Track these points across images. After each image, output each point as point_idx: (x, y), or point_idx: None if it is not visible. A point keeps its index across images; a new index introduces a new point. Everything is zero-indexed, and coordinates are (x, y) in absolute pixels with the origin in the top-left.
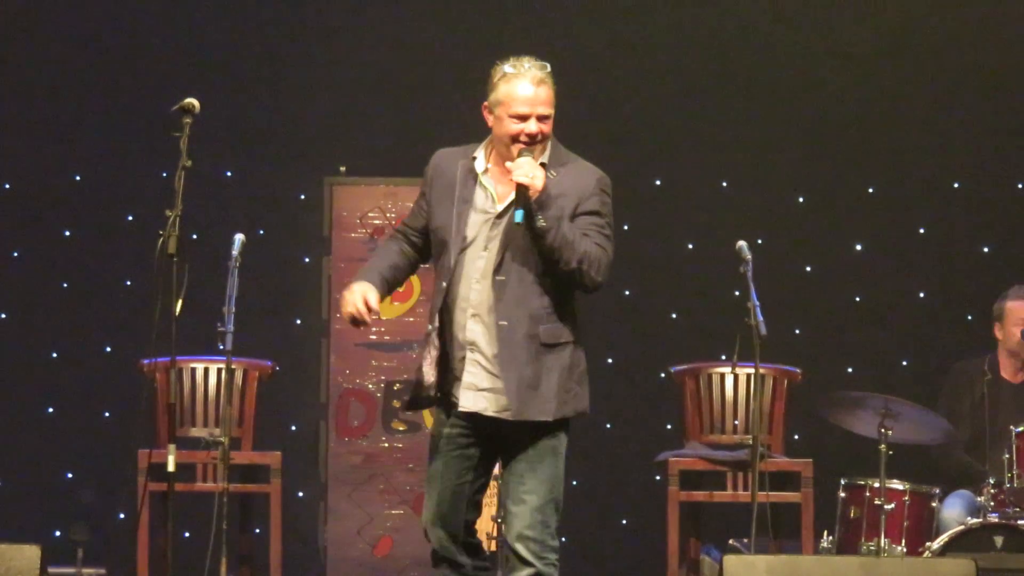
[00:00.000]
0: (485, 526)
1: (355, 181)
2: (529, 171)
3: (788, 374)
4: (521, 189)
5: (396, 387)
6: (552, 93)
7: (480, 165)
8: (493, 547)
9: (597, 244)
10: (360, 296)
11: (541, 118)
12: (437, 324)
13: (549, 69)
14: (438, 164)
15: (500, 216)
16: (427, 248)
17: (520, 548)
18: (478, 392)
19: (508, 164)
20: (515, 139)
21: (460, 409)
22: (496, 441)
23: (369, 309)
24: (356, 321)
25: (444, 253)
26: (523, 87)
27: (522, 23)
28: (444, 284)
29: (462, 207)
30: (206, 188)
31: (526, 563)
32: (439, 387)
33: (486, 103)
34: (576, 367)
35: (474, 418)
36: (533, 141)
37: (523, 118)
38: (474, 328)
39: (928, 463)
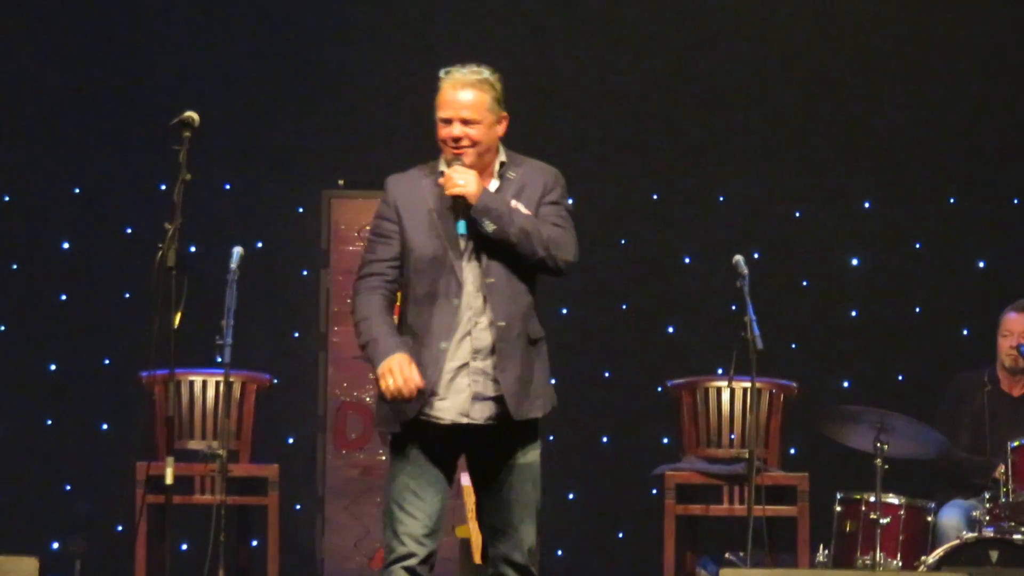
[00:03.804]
0: (479, 539)
1: (353, 194)
2: (459, 179)
3: (784, 388)
4: (459, 200)
5: None
6: (483, 98)
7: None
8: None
9: (556, 225)
10: (411, 370)
11: (465, 122)
12: (448, 341)
13: (485, 75)
14: (398, 190)
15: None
16: (399, 278)
17: (529, 564)
18: (485, 401)
19: (440, 180)
20: (444, 143)
21: (471, 422)
22: (470, 453)
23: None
24: (400, 398)
25: (441, 273)
26: (446, 92)
27: (520, 38)
28: (457, 301)
29: (448, 224)
30: (205, 201)
31: (530, 574)
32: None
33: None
34: (548, 363)
35: (458, 431)
36: (458, 145)
37: (447, 121)
38: (480, 336)
39: (924, 476)
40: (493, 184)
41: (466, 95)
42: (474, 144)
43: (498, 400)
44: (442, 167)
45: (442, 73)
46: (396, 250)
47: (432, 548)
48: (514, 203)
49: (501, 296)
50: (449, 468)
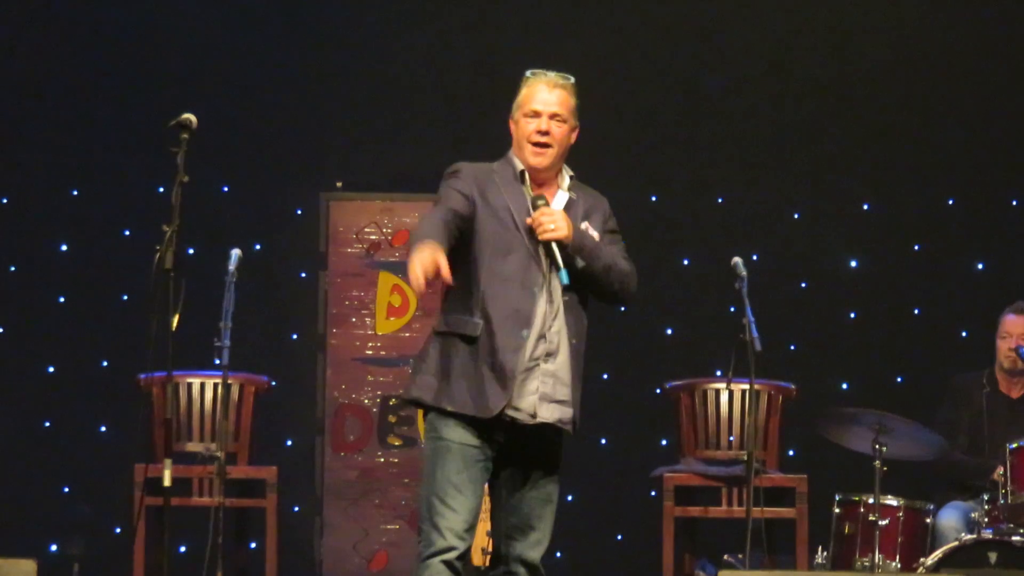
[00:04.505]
0: (480, 540)
1: (351, 196)
2: (550, 223)
3: (783, 390)
4: (555, 245)
5: (392, 402)
6: (570, 101)
7: (523, 176)
8: (487, 562)
9: (625, 259)
10: (430, 255)
11: (553, 116)
12: (528, 330)
13: (572, 81)
14: (474, 173)
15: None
16: (457, 233)
17: (538, 562)
18: (552, 403)
19: (528, 221)
20: (527, 139)
21: (539, 420)
22: (516, 454)
23: (438, 270)
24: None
25: (520, 262)
26: (539, 88)
27: (518, 41)
28: (537, 291)
29: (520, 217)
30: (203, 203)
31: (540, 573)
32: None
33: (511, 114)
34: None
35: (508, 429)
36: (543, 142)
37: (536, 114)
38: (552, 339)
39: (923, 478)
40: (562, 196)
41: (558, 94)
42: (555, 143)
43: (562, 403)
44: (519, 166)
45: (529, 73)
46: (467, 210)
47: (470, 543)
48: (585, 225)
49: (573, 314)
50: (488, 464)
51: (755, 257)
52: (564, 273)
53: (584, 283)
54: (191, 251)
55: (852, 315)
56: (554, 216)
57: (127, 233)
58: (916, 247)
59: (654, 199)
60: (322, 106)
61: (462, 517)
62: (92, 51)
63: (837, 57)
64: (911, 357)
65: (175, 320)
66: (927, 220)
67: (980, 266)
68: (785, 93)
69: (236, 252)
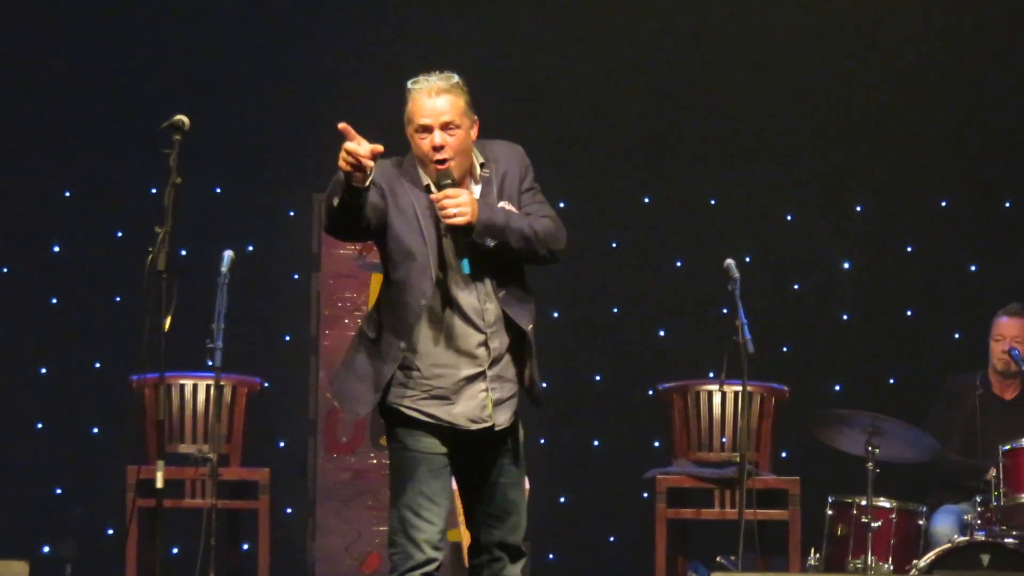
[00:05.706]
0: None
1: None
2: (453, 208)
3: (776, 392)
4: (460, 230)
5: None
6: (459, 102)
7: (429, 190)
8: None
9: (546, 217)
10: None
11: (445, 126)
12: (409, 341)
13: (456, 80)
14: (382, 174)
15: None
16: (373, 222)
17: (520, 544)
18: (502, 405)
19: (433, 198)
20: (428, 156)
21: (497, 428)
22: (478, 449)
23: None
24: (356, 167)
25: (423, 272)
26: (421, 100)
27: (511, 39)
28: (423, 300)
29: (428, 226)
30: (195, 205)
31: (522, 554)
32: (416, 407)
33: (405, 127)
34: None
35: (462, 432)
36: (443, 155)
37: (427, 129)
38: (495, 344)
39: (916, 480)
40: (476, 190)
41: (443, 101)
42: (455, 152)
43: (511, 400)
44: (425, 180)
45: (410, 84)
46: (380, 202)
47: (445, 551)
48: (503, 204)
49: (515, 302)
50: (450, 470)
51: (748, 259)
52: (466, 263)
53: (508, 255)
54: (184, 252)
55: (845, 317)
56: (458, 199)
57: (119, 235)
58: (909, 249)
59: (647, 201)
60: (314, 106)
61: (437, 528)
62: (85, 52)
63: (830, 59)
64: (904, 359)
65: (168, 321)
66: (920, 222)
67: (973, 268)
68: (778, 94)
69: (228, 253)
